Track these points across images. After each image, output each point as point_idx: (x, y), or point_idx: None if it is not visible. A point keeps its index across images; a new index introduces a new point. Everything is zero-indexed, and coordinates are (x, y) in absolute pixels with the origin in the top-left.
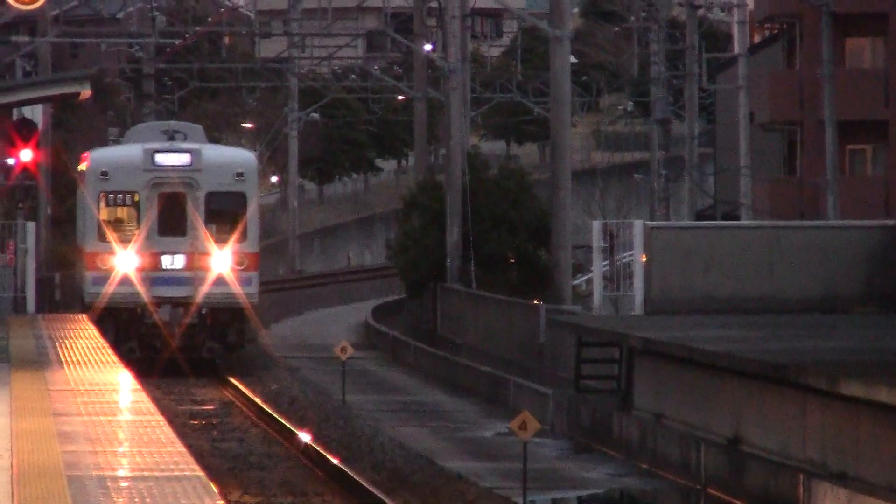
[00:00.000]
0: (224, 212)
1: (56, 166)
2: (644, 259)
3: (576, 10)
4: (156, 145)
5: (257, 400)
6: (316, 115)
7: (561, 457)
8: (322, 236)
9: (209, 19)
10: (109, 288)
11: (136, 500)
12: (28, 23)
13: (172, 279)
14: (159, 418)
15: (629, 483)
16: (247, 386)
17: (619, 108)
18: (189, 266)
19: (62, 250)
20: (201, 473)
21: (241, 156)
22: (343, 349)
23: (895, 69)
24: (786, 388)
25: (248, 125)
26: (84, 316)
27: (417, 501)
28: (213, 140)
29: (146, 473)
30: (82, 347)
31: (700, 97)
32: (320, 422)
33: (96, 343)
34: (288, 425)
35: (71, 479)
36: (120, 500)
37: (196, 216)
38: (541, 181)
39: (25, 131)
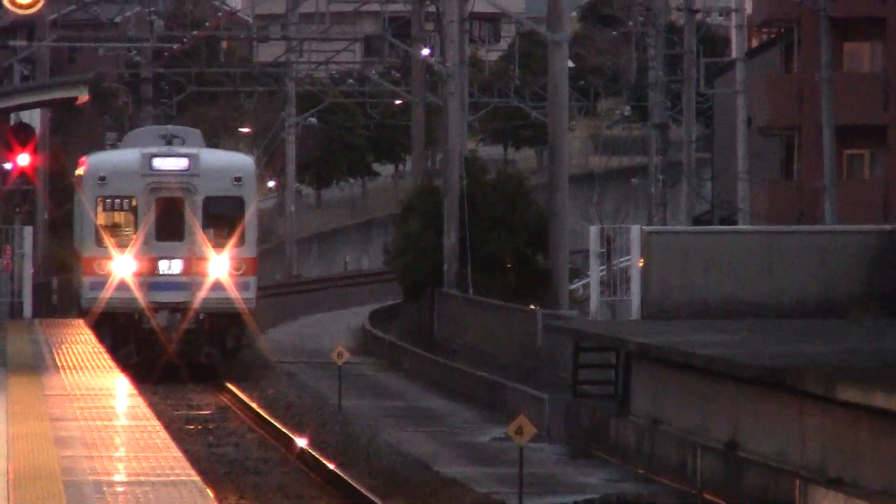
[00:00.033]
0: (222, 216)
1: (54, 171)
2: (641, 263)
3: (574, 14)
4: (154, 150)
5: (254, 405)
6: (313, 120)
7: (558, 462)
8: (320, 241)
9: (207, 24)
10: (107, 293)
11: None
12: (26, 27)
13: (170, 284)
14: (156, 423)
15: (626, 488)
16: (244, 391)
17: (617, 112)
18: (187, 271)
19: (59, 255)
20: (197, 478)
21: (240, 160)
22: (339, 354)
23: (893, 73)
24: (783, 392)
25: (246, 129)
26: (81, 321)
27: None
28: (212, 145)
29: (142, 478)
30: (79, 352)
31: (698, 101)
32: (317, 426)
33: (93, 348)
34: (284, 430)
35: (67, 483)
36: None
37: (194, 221)
38: (538, 186)
39: (23, 136)
